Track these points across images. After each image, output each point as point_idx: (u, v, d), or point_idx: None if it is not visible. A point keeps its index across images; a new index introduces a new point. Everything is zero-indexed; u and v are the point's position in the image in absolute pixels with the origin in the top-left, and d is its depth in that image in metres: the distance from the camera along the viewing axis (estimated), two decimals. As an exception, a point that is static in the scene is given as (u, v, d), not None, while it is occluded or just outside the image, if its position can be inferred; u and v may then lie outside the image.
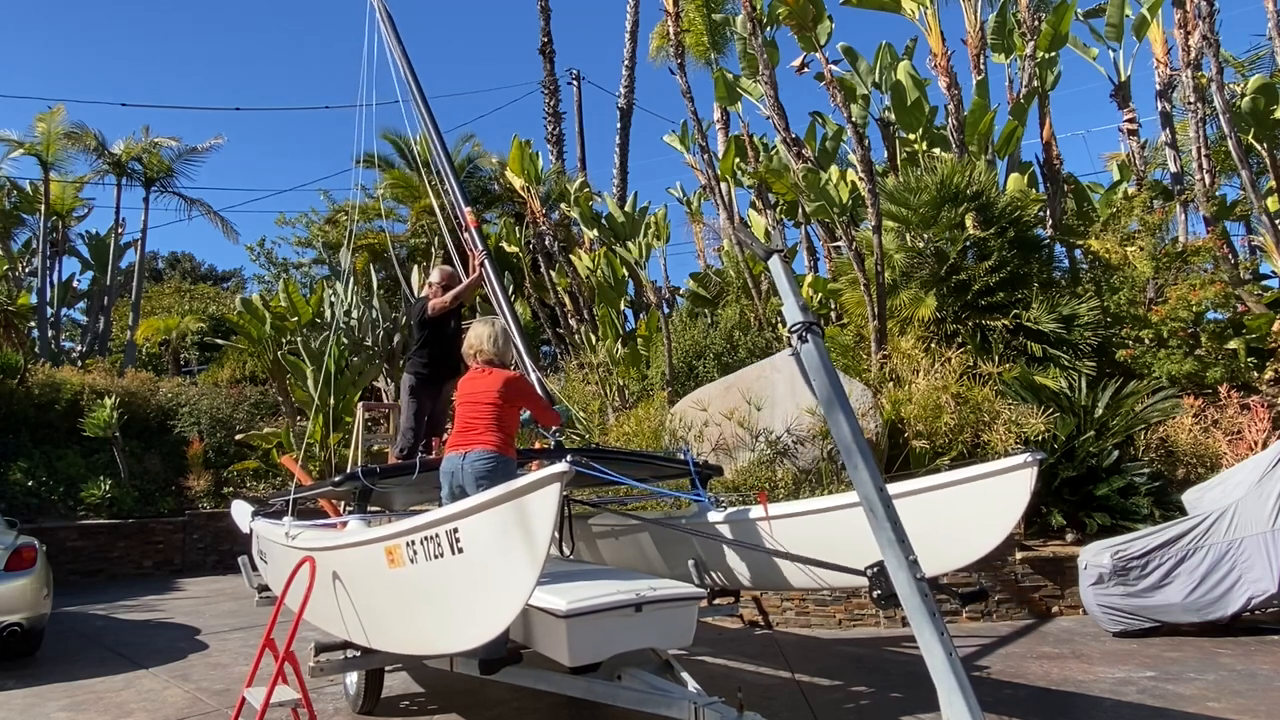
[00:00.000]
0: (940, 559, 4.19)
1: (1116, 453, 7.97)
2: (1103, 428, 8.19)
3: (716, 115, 17.43)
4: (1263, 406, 8.47)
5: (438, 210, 7.57)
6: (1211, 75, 10.41)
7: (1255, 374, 9.39)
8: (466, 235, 7.12)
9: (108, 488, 11.85)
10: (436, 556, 3.20)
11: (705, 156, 13.43)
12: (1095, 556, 6.66)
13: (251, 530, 6.16)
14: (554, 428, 5.40)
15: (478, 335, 4.80)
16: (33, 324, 17.48)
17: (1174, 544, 6.39)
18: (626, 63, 22.88)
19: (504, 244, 15.49)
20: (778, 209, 13.99)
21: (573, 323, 14.71)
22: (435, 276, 6.61)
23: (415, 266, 16.03)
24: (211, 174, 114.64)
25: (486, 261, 6.72)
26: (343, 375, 12.72)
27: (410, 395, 6.39)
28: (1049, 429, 7.84)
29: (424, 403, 6.29)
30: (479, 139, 32.24)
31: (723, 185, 13.70)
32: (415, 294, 14.75)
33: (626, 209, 12.93)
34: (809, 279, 13.16)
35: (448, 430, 6.36)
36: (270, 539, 5.46)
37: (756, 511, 4.94)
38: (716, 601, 5.38)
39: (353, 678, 5.15)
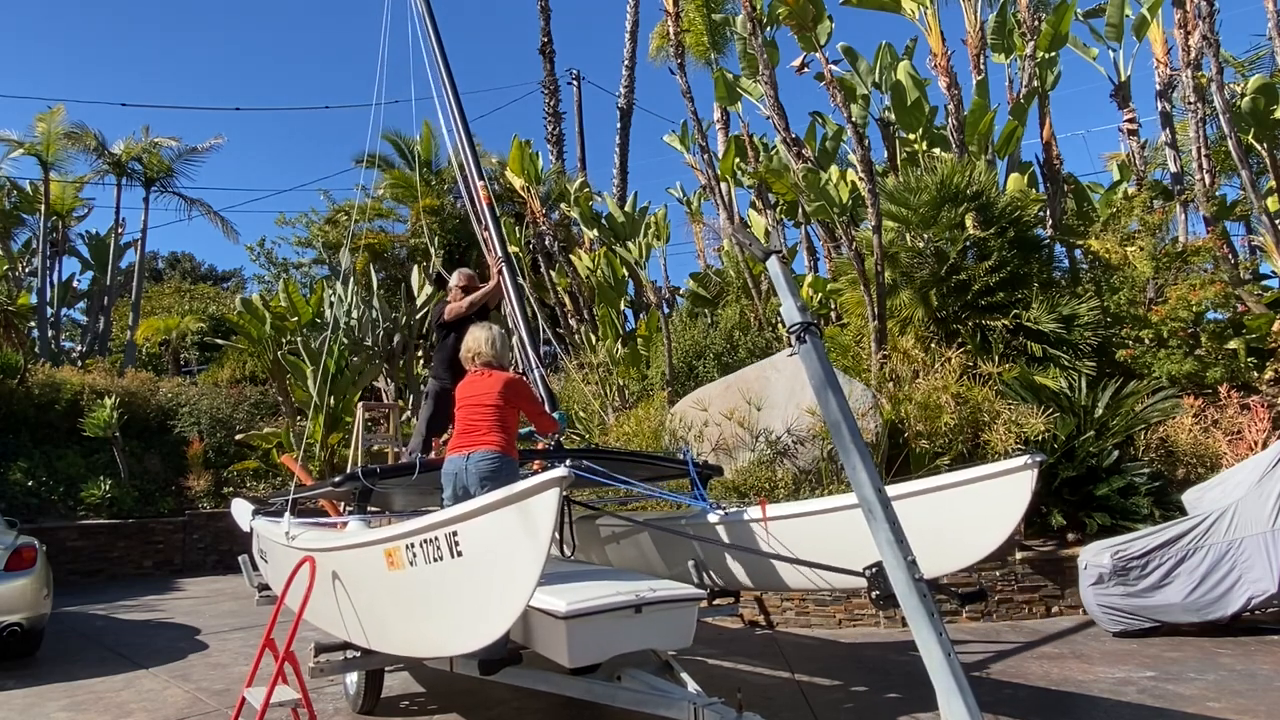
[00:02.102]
0: (941, 560, 4.19)
1: (1116, 453, 7.96)
2: (1103, 428, 8.18)
3: (716, 115, 17.43)
4: (1263, 406, 8.46)
5: (470, 182, 7.48)
6: (1211, 75, 10.40)
7: (1255, 374, 9.38)
8: (486, 234, 7.13)
9: (108, 488, 11.85)
10: (436, 559, 3.20)
11: (705, 156, 13.43)
12: (1095, 556, 6.65)
13: (252, 529, 6.17)
14: (551, 434, 5.39)
15: (476, 339, 4.85)
16: (33, 324, 17.49)
17: (1174, 544, 6.38)
18: (626, 63, 22.90)
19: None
20: (778, 209, 13.99)
21: (573, 323, 14.72)
22: (454, 280, 6.73)
23: (415, 266, 16.03)
24: (211, 174, 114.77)
25: (504, 267, 6.74)
26: (343, 375, 12.73)
27: (427, 399, 6.52)
28: (1049, 429, 7.84)
29: (440, 410, 6.33)
30: (479, 139, 32.16)
31: (723, 185, 13.70)
32: (416, 293, 14.78)
33: (626, 209, 12.94)
34: (809, 279, 13.17)
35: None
36: (270, 538, 5.46)
37: (755, 513, 4.94)
38: (716, 602, 5.38)
39: (353, 677, 5.15)
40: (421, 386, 14.43)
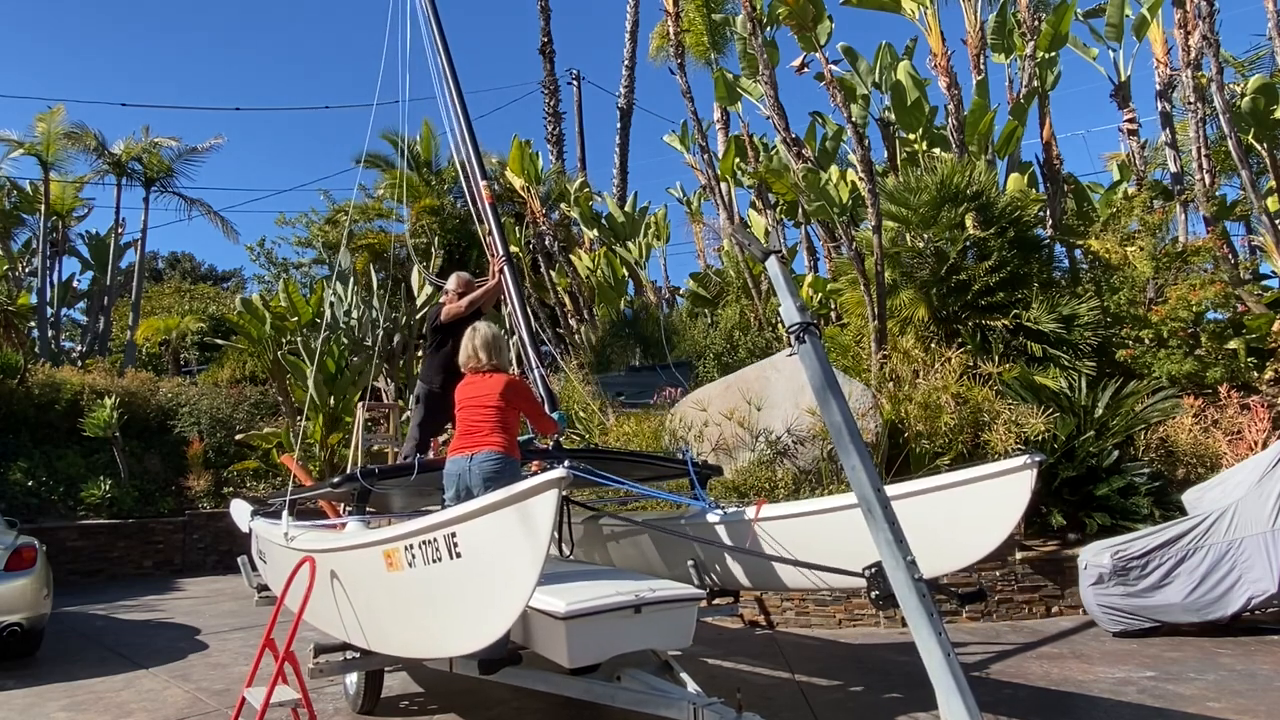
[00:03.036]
0: (941, 560, 4.18)
1: (1116, 453, 7.96)
2: (1103, 428, 8.18)
3: (716, 115, 17.42)
4: (1263, 406, 8.46)
5: (473, 180, 7.33)
6: (1211, 75, 10.40)
7: (1255, 374, 9.38)
8: (490, 239, 7.05)
9: (108, 488, 11.85)
10: (435, 561, 3.20)
11: (705, 156, 13.44)
12: (1095, 556, 6.65)
13: (251, 530, 6.17)
14: (551, 434, 5.39)
15: (475, 342, 4.85)
16: (33, 324, 17.49)
17: (1174, 544, 6.38)
18: (626, 63, 22.89)
19: (504, 244, 15.46)
20: (778, 209, 13.99)
21: (573, 323, 14.72)
22: (451, 284, 6.59)
23: (415, 266, 16.02)
24: (211, 174, 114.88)
25: (506, 267, 6.68)
26: (343, 375, 12.72)
27: (418, 403, 6.39)
28: (1049, 429, 7.83)
29: (432, 413, 6.28)
30: (479, 139, 32.24)
31: (723, 185, 13.71)
32: (416, 293, 14.77)
33: (626, 209, 12.96)
34: (809, 279, 13.17)
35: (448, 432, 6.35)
36: (269, 539, 5.46)
37: (754, 513, 4.94)
38: (716, 602, 5.38)
39: (352, 678, 5.15)
40: (421, 386, 14.42)
